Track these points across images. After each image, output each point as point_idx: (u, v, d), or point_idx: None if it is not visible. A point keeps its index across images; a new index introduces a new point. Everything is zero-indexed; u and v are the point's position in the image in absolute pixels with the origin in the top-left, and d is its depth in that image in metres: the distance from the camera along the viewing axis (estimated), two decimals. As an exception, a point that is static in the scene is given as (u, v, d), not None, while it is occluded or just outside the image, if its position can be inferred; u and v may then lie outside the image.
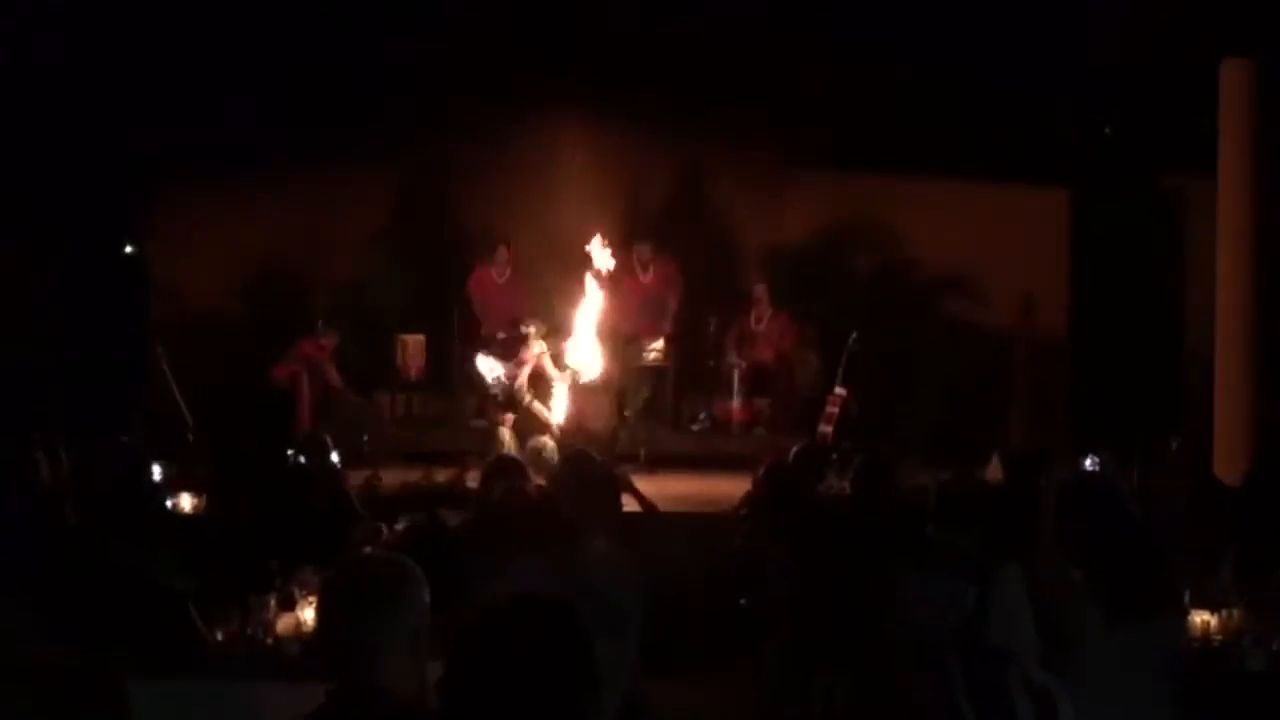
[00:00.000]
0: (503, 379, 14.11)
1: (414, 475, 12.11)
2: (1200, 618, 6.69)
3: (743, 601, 8.28)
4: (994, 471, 10.91)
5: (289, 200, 15.63)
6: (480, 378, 14.28)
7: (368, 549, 7.39)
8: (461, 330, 15.38)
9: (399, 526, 8.46)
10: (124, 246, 14.94)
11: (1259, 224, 12.81)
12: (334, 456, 9.91)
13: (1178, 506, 8.62)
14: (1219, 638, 6.69)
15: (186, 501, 9.79)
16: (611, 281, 14.42)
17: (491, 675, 3.41)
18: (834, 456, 12.01)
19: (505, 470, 8.07)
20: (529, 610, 3.55)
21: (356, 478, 11.02)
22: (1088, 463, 8.43)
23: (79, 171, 13.50)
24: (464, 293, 15.52)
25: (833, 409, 14.49)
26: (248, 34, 13.39)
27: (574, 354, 14.26)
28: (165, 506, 9.25)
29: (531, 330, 14.23)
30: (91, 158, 13.64)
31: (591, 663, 3.51)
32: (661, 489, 12.90)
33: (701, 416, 15.60)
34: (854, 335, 14.67)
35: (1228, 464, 12.20)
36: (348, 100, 14.42)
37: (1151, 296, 14.89)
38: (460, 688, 3.44)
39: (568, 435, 13.13)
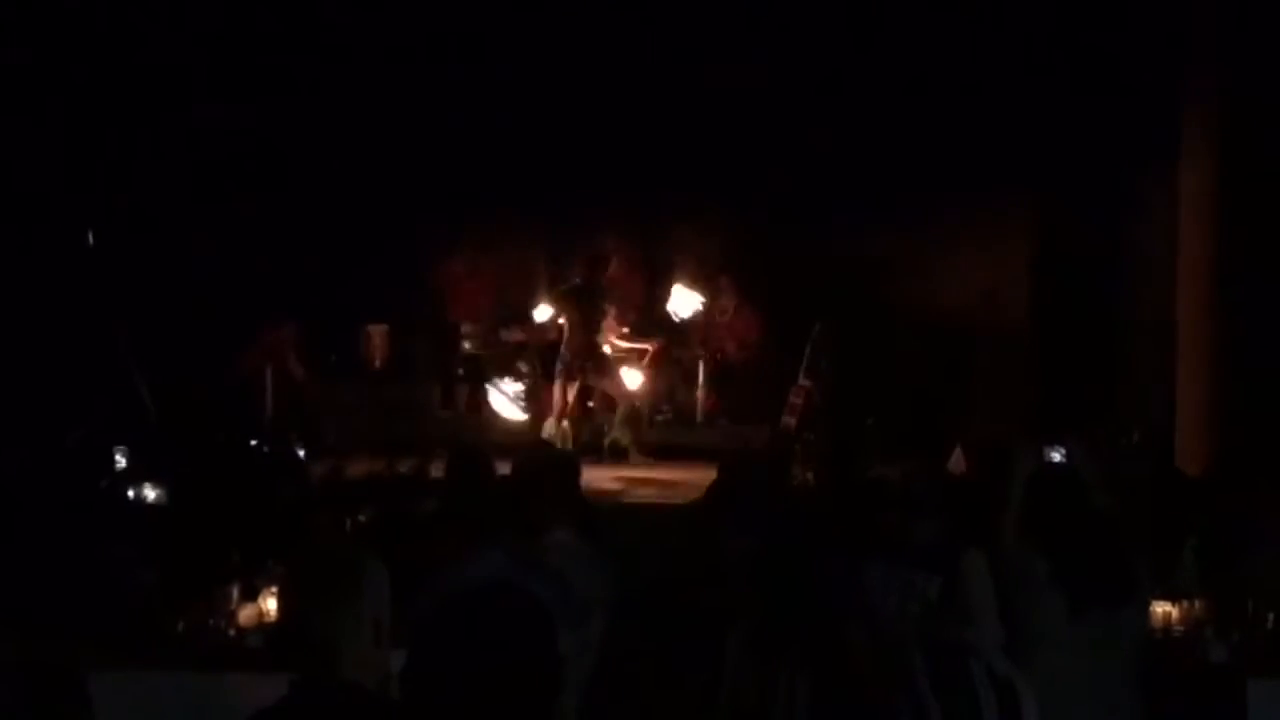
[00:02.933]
0: (521, 395, 14.09)
1: (378, 465, 12.08)
2: (1162, 609, 6.72)
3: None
4: (957, 462, 10.95)
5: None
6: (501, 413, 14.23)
7: (330, 540, 7.37)
8: (429, 320, 15.35)
9: (362, 517, 8.44)
10: (86, 235, 14.85)
11: (1219, 215, 12.86)
12: (298, 447, 9.88)
13: (1139, 497, 8.65)
14: (1180, 628, 6.73)
15: (149, 491, 9.73)
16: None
17: (453, 664, 3.41)
18: (797, 448, 12.03)
19: (468, 460, 8.05)
20: (490, 599, 3.55)
21: (320, 468, 10.99)
22: (1055, 454, 8.46)
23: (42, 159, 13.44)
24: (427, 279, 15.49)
25: (796, 400, 14.49)
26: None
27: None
28: (127, 497, 9.21)
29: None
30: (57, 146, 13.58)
31: (554, 651, 3.51)
32: (625, 480, 12.94)
33: (664, 408, 15.59)
34: (817, 327, 14.68)
35: (1189, 456, 12.26)
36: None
37: (1113, 288, 14.93)
38: (422, 677, 3.44)
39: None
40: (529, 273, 15.25)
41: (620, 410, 13.98)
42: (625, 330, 14.23)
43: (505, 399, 14.27)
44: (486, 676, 3.38)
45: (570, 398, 13.73)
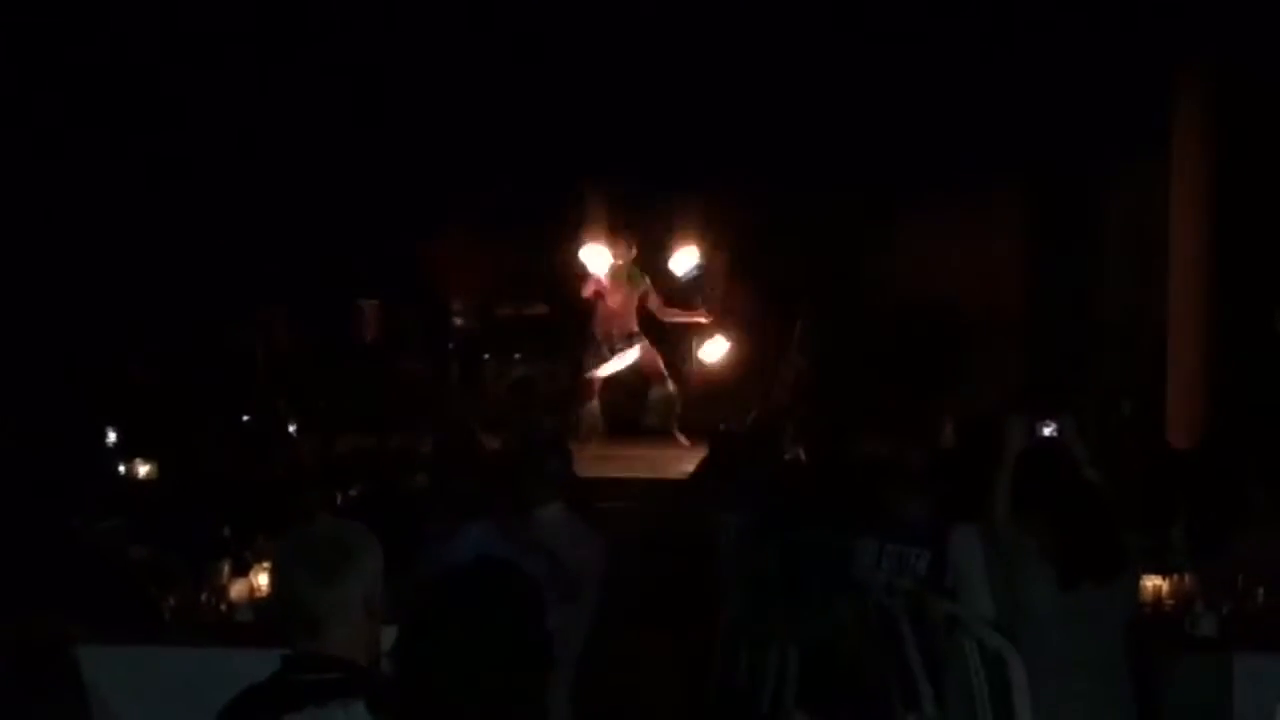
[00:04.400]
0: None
1: (368, 441, 12.09)
2: (1152, 582, 6.73)
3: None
4: (948, 438, 10.95)
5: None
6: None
7: (320, 516, 7.37)
8: (419, 295, 15.33)
9: (352, 492, 8.44)
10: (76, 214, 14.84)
11: (1212, 191, 12.88)
12: (289, 423, 9.88)
13: (1130, 472, 8.66)
14: (1170, 602, 6.74)
15: (140, 467, 9.74)
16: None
17: (442, 640, 3.42)
18: (788, 424, 12.03)
19: (458, 435, 8.06)
20: (479, 574, 3.57)
21: (310, 443, 10.99)
22: (1045, 429, 8.47)
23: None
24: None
25: (787, 376, 14.48)
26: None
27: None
28: (118, 472, 9.21)
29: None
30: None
31: (542, 626, 3.52)
32: (618, 456, 12.95)
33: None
34: (806, 303, 14.67)
35: (1180, 430, 12.28)
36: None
37: (1104, 264, 14.94)
38: (412, 653, 3.46)
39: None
40: (522, 247, 15.19)
41: (656, 389, 13.74)
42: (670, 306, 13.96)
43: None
44: (473, 651, 3.40)
45: (602, 376, 13.54)
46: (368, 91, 14.87)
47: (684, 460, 11.78)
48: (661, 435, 13.63)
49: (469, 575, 3.55)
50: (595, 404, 13.43)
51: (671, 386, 13.59)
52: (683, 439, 13.29)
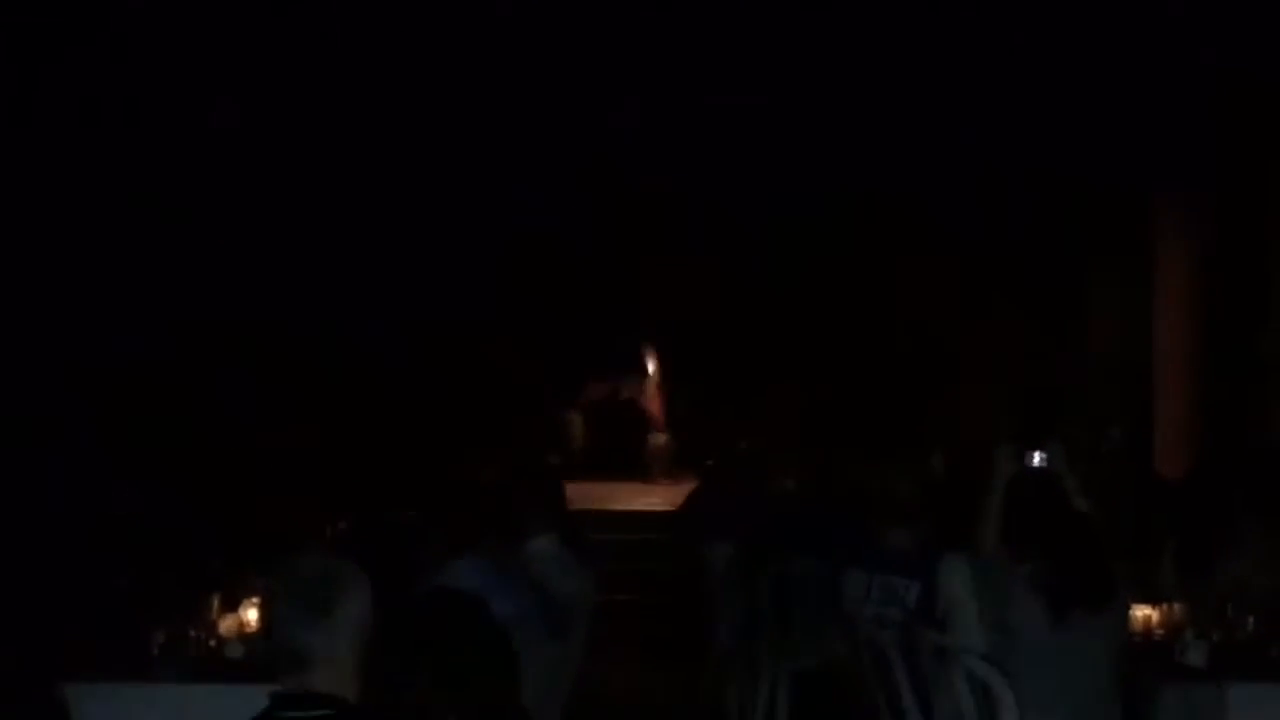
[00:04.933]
0: None
1: (359, 473, 12.07)
2: (1141, 612, 6.74)
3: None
4: (937, 467, 10.94)
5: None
6: None
7: (311, 550, 7.36)
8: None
9: (342, 525, 8.43)
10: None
11: (1195, 224, 12.95)
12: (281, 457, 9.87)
13: (1119, 501, 8.67)
14: (1160, 631, 6.75)
15: (128, 500, 9.71)
16: None
17: (402, 669, 3.45)
18: (778, 455, 12.04)
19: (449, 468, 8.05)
20: (433, 605, 3.59)
21: (302, 475, 10.96)
22: (1034, 458, 8.49)
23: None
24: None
25: (778, 408, 14.53)
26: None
27: None
28: (106, 506, 9.19)
29: None
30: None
31: (501, 652, 3.54)
32: (608, 488, 12.97)
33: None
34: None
35: (1168, 460, 12.29)
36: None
37: (1093, 294, 14.96)
38: (380, 682, 3.48)
39: None
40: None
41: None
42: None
43: None
44: (432, 678, 3.42)
45: None
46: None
47: (674, 493, 11.81)
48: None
49: (421, 605, 3.58)
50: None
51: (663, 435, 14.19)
52: (665, 481, 13.66)
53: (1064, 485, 6.02)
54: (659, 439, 14.60)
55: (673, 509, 10.98)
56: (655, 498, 12.95)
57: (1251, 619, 6.64)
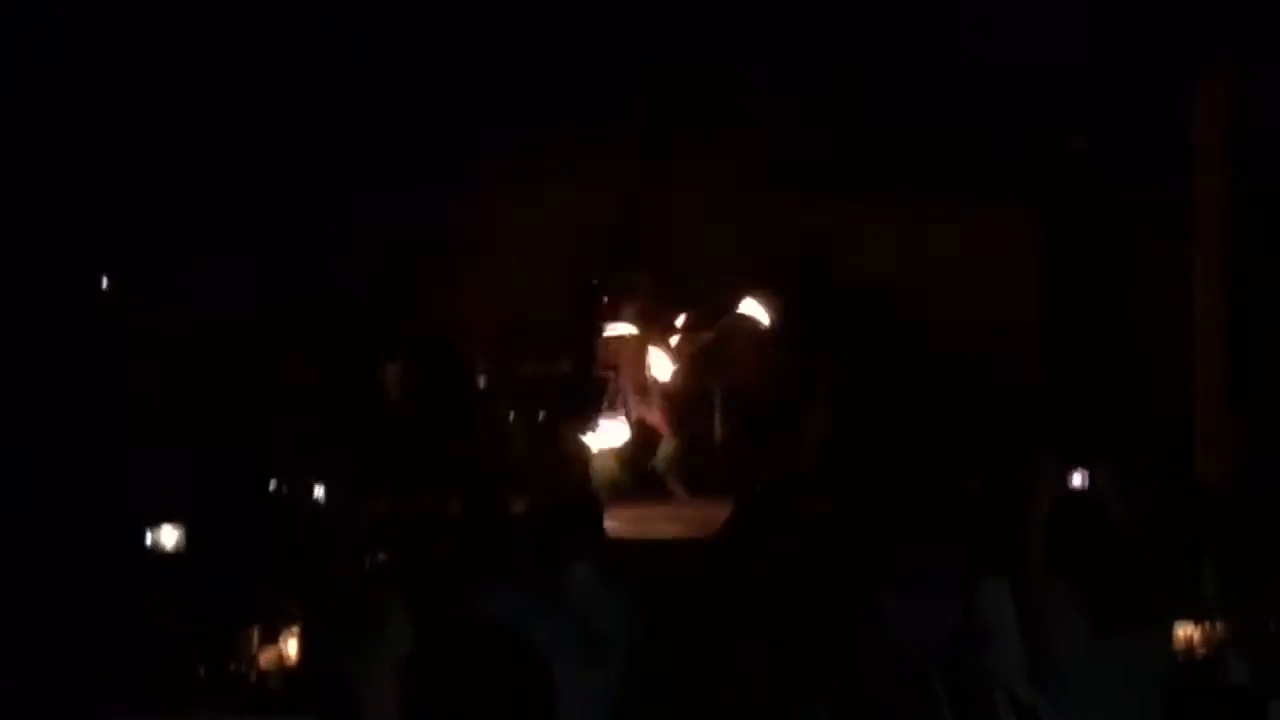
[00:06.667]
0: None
1: (396, 503, 12.07)
2: (1183, 630, 6.70)
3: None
4: (977, 488, 10.90)
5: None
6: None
7: (351, 583, 7.38)
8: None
9: (381, 556, 8.44)
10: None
11: (1232, 231, 12.87)
12: (318, 486, 9.88)
13: (1159, 518, 8.63)
14: (1202, 650, 6.71)
15: (168, 535, 9.72)
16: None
17: (445, 703, 3.45)
18: (814, 477, 12.00)
19: (484, 498, 8.05)
20: (470, 635, 3.60)
21: (339, 507, 10.98)
22: (1076, 478, 8.46)
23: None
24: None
25: (813, 432, 14.46)
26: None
27: None
28: (145, 541, 9.21)
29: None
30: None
31: (542, 689, 3.54)
32: (648, 514, 12.92)
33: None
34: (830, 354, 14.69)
35: (1208, 473, 12.22)
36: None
37: (1125, 305, 14.90)
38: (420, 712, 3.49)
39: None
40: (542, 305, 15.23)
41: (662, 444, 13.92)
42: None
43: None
44: (474, 713, 3.43)
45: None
46: (386, 146, 14.88)
47: (714, 518, 11.75)
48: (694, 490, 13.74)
49: (466, 638, 3.60)
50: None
51: (675, 442, 13.77)
52: (680, 491, 13.40)
53: (1107, 506, 5.99)
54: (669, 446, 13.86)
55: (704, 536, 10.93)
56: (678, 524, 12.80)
57: (1295, 636, 6.61)
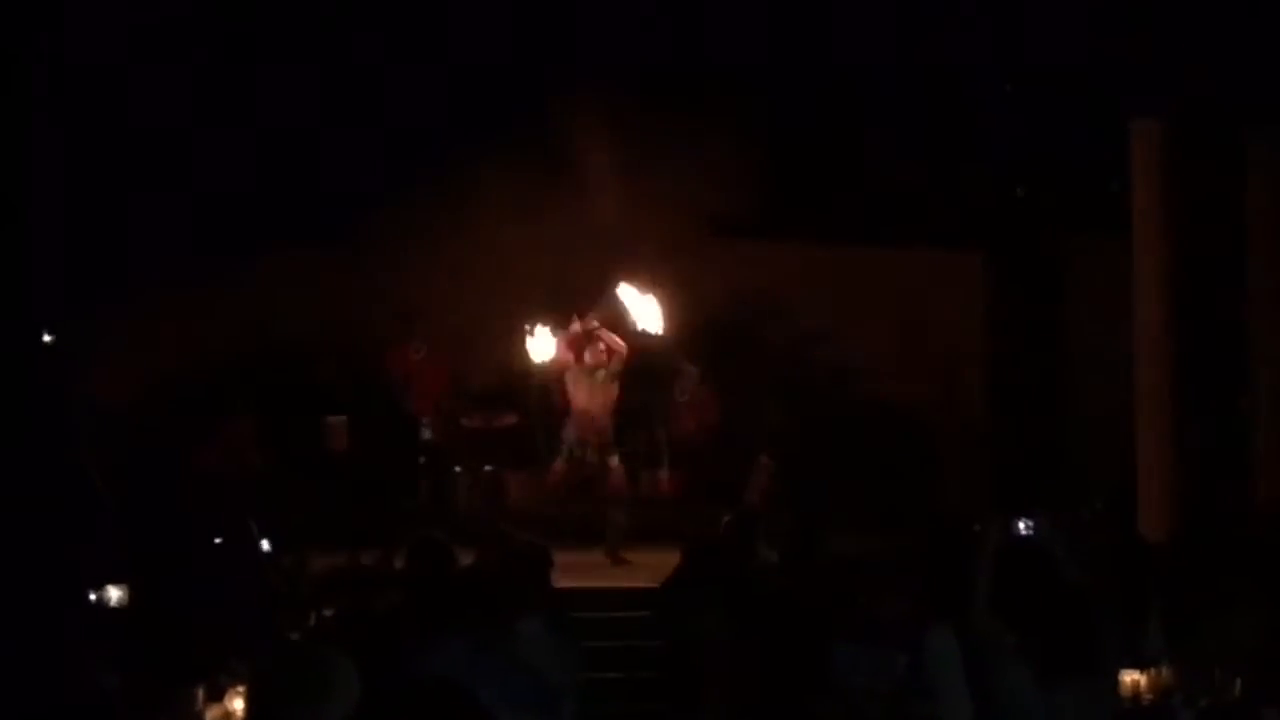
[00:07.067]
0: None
1: (341, 559, 12.00)
2: (1130, 677, 6.72)
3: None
4: (920, 536, 10.92)
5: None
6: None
7: (296, 639, 7.33)
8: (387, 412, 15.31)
9: (327, 612, 8.38)
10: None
11: (1172, 281, 12.97)
12: (263, 542, 9.82)
13: (1105, 566, 8.66)
14: (1149, 696, 6.73)
15: (112, 593, 9.64)
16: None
17: None
18: (761, 527, 12.00)
19: (431, 551, 8.01)
20: (420, 694, 3.59)
21: (284, 563, 10.91)
22: (1021, 526, 8.50)
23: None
24: (383, 370, 15.43)
25: (759, 478, 14.48)
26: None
27: None
28: (89, 599, 9.13)
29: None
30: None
31: None
32: (589, 563, 12.90)
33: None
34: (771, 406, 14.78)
35: (1151, 522, 12.29)
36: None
37: (1068, 356, 15.02)
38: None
39: None
40: (486, 359, 15.23)
41: (612, 510, 13.79)
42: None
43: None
44: None
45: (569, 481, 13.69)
46: (335, 206, 14.89)
47: (659, 568, 11.75)
48: (634, 540, 13.68)
49: (408, 695, 3.59)
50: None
51: (623, 512, 13.68)
52: (624, 558, 13.33)
53: (1053, 554, 6.01)
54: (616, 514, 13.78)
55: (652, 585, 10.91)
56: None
57: (1239, 681, 6.62)
